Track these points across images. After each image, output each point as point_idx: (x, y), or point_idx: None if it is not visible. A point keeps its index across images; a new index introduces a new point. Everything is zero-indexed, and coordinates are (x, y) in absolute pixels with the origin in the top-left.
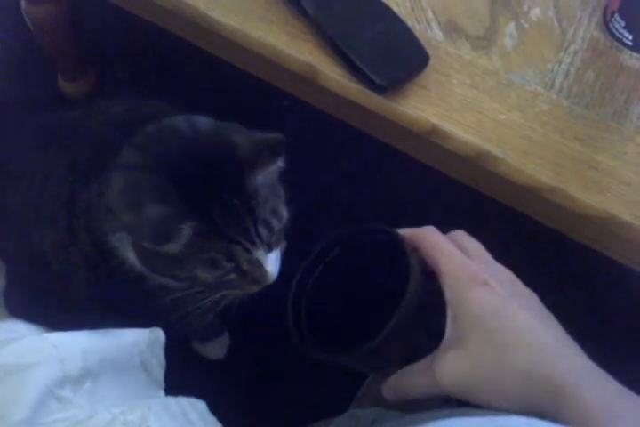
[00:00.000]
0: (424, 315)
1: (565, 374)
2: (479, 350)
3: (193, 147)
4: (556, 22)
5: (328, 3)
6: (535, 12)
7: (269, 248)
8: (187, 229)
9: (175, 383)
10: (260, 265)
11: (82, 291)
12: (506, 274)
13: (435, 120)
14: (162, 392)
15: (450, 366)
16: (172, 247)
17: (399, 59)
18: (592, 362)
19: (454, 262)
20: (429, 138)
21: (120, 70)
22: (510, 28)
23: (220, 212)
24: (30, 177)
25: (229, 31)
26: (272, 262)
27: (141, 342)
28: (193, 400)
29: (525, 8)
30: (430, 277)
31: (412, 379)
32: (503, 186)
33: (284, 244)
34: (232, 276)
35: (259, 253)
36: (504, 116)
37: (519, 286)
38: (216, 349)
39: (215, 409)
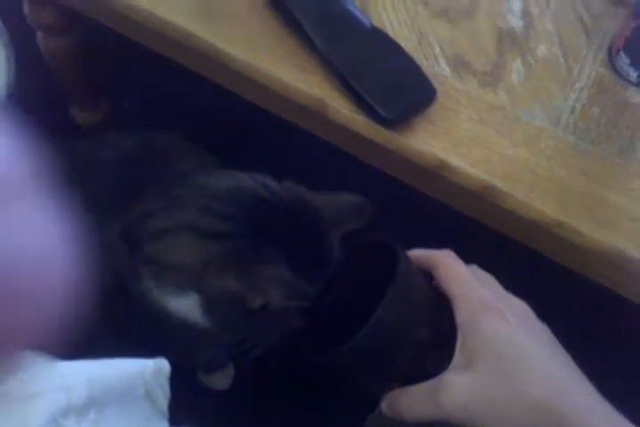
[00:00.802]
0: (428, 331)
1: (575, 406)
2: (490, 376)
3: (277, 213)
4: (561, 59)
5: (337, 37)
6: (541, 49)
7: None
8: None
9: (180, 414)
10: None
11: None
12: (519, 305)
13: (442, 155)
14: (166, 423)
15: (458, 389)
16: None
17: (407, 93)
18: (601, 397)
19: (468, 286)
20: (437, 172)
21: (132, 101)
22: (517, 64)
23: (315, 271)
24: None
25: (238, 64)
26: None
27: (146, 373)
28: None
29: (532, 45)
30: (443, 300)
31: (414, 397)
32: (511, 220)
33: None
34: None
35: None
36: (510, 151)
37: (531, 318)
38: (221, 379)
39: None
